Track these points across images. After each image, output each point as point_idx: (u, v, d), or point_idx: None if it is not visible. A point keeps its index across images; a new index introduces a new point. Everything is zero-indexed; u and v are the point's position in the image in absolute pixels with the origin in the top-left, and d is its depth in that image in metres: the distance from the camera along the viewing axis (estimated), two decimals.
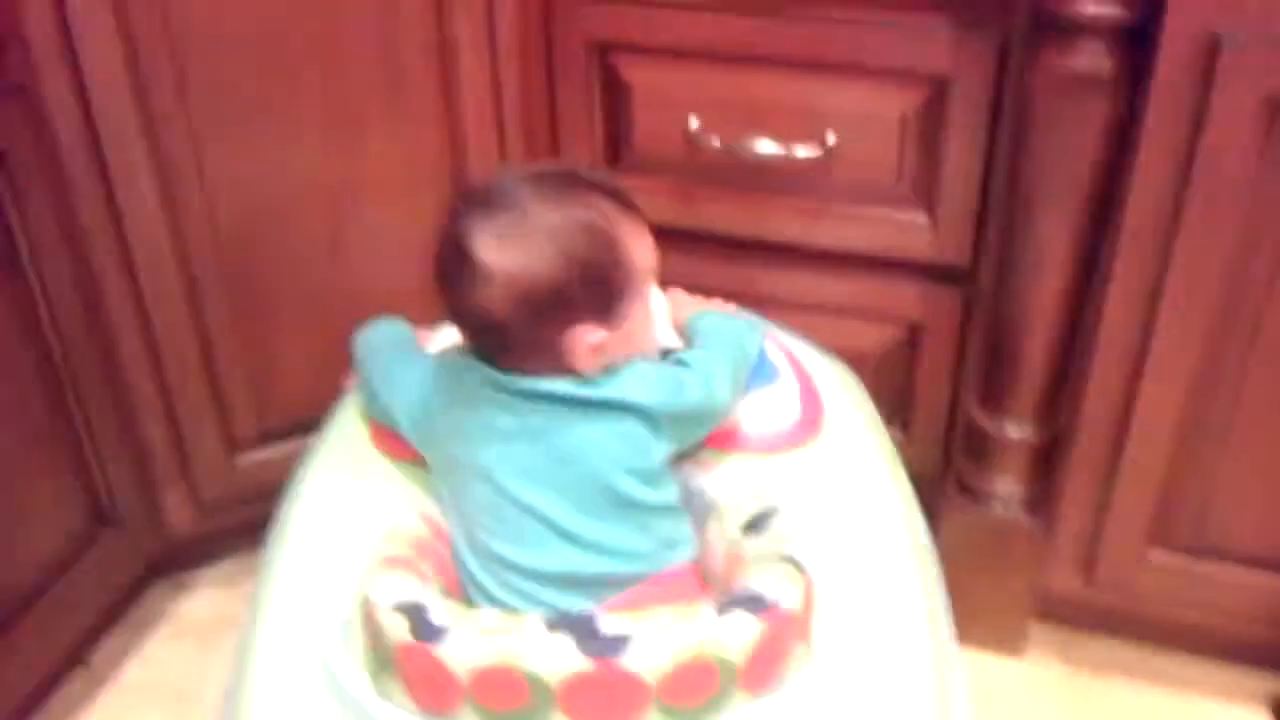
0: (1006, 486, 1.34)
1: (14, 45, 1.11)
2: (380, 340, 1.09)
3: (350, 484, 1.05)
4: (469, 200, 0.90)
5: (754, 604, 0.82)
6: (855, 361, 1.26)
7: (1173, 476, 1.24)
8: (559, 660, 0.78)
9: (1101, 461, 1.26)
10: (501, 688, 0.79)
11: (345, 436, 1.10)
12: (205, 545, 1.52)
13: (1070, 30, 1.08)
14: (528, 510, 0.93)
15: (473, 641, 0.79)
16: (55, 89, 1.16)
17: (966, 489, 1.36)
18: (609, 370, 0.93)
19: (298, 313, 1.36)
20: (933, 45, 1.21)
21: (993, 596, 1.38)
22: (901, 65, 1.23)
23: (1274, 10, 1.00)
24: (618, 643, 0.79)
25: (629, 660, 0.78)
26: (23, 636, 1.24)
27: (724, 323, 1.06)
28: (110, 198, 1.22)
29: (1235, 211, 1.09)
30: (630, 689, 0.79)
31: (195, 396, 1.35)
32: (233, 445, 1.41)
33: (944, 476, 1.42)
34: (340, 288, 1.36)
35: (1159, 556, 1.29)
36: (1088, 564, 1.32)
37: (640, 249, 0.92)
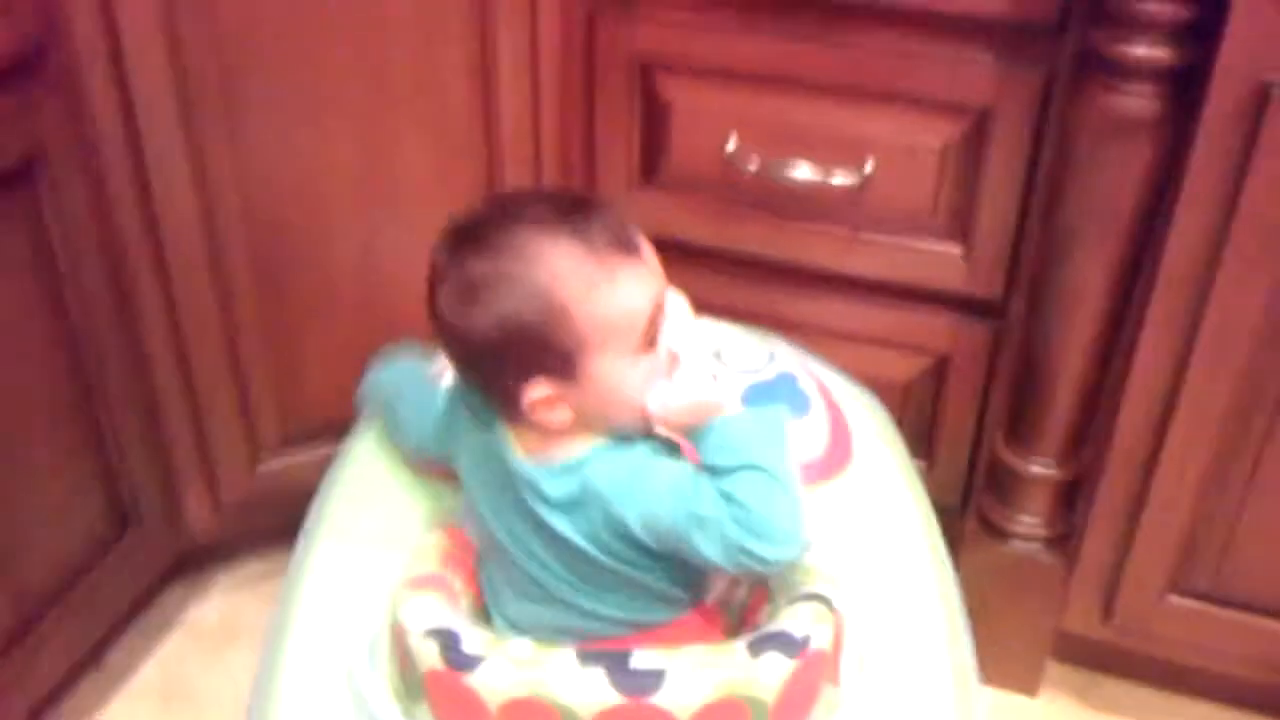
0: (1028, 524, 1.33)
1: (58, 43, 1.11)
2: (394, 381, 1.08)
3: (377, 497, 1.05)
4: (448, 239, 0.87)
5: (785, 643, 0.82)
6: (882, 390, 1.27)
7: (1196, 522, 1.23)
8: (591, 694, 0.78)
9: (1126, 504, 1.26)
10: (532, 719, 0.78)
11: (372, 448, 1.09)
12: (222, 548, 1.52)
13: (1118, 71, 1.07)
14: (515, 561, 0.92)
15: (505, 672, 0.79)
16: (98, 88, 1.15)
17: (988, 524, 1.36)
18: (577, 446, 0.88)
19: (325, 319, 1.36)
20: (977, 77, 1.20)
21: (1010, 634, 1.37)
22: (944, 96, 1.23)
23: None
24: (650, 679, 0.78)
25: (661, 698, 0.78)
26: (43, 638, 1.23)
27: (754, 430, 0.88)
28: (147, 197, 1.21)
29: (1274, 262, 1.08)
30: None
31: (220, 399, 1.35)
32: (255, 449, 1.40)
33: (964, 509, 1.41)
34: (370, 296, 1.35)
35: (1178, 601, 1.28)
36: (1107, 605, 1.32)
37: (611, 299, 0.84)
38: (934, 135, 1.25)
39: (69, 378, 1.22)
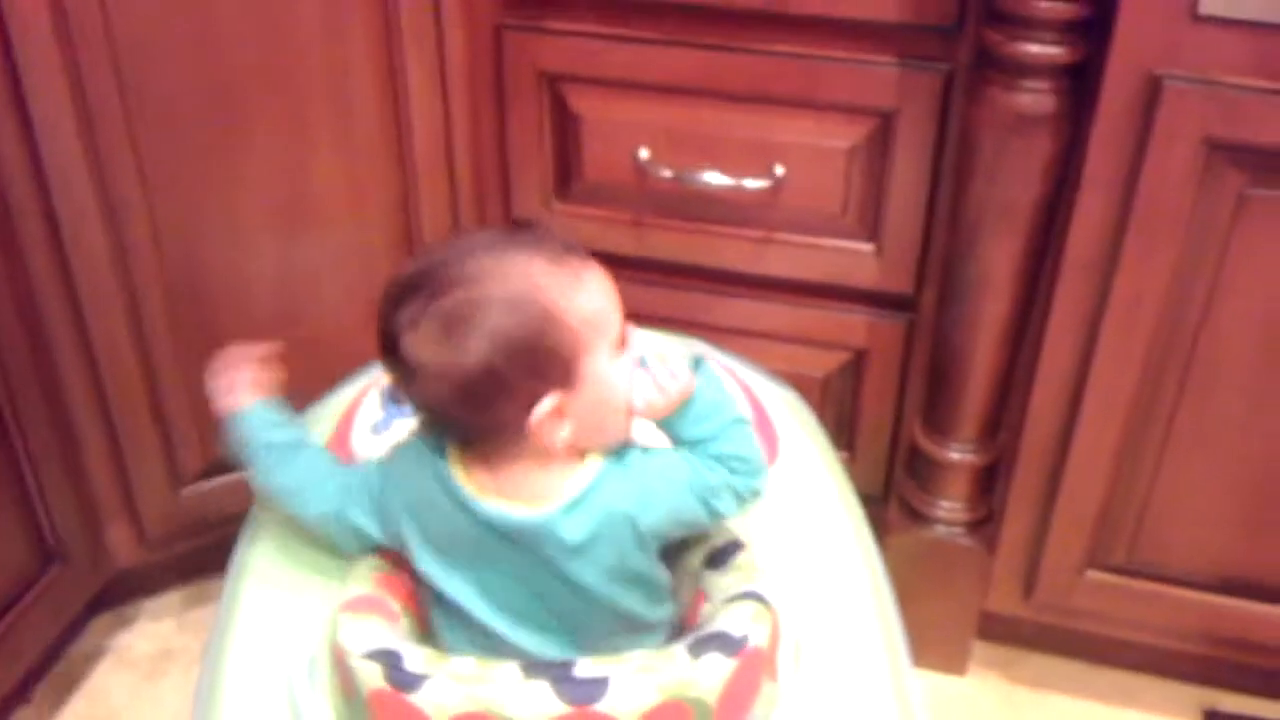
0: (949, 508, 1.36)
1: None
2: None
3: None
4: (396, 288, 0.86)
5: (724, 643, 0.83)
6: (802, 386, 1.29)
7: (1110, 499, 1.27)
8: (537, 706, 0.79)
9: (1042, 484, 1.30)
10: None
11: None
12: (148, 577, 1.50)
13: (1015, 70, 1.11)
14: (503, 639, 0.91)
15: (450, 689, 0.79)
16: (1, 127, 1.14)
17: (910, 510, 1.39)
18: (573, 476, 0.88)
19: (243, 341, 1.34)
20: (880, 80, 1.23)
21: (937, 616, 1.40)
22: (848, 99, 1.25)
23: (1211, 56, 1.04)
24: (594, 687, 0.79)
25: (606, 705, 0.79)
26: None
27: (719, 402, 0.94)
28: (54, 227, 1.20)
29: (1172, 247, 1.12)
30: None
31: (139, 429, 1.33)
32: (177, 478, 1.39)
33: (887, 498, 1.44)
34: (287, 316, 1.34)
35: (1096, 576, 1.33)
36: (1028, 583, 1.36)
37: (586, 299, 0.86)
38: (841, 138, 1.27)
39: None
